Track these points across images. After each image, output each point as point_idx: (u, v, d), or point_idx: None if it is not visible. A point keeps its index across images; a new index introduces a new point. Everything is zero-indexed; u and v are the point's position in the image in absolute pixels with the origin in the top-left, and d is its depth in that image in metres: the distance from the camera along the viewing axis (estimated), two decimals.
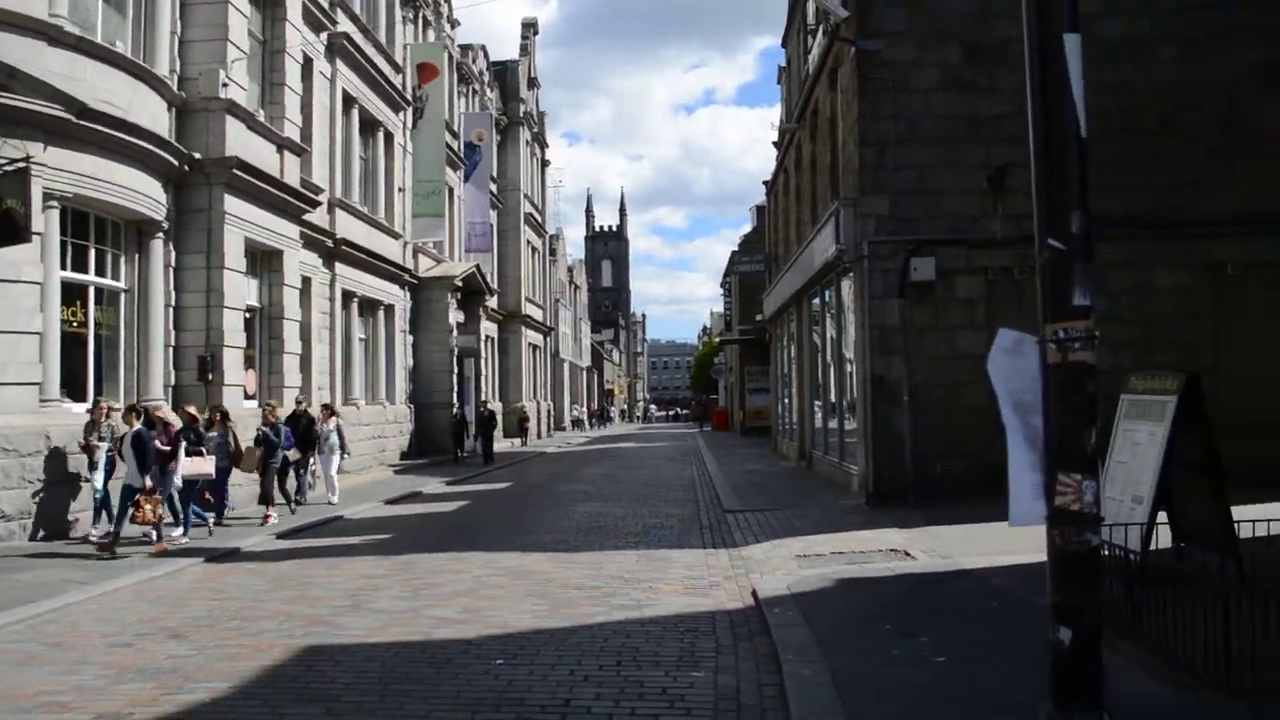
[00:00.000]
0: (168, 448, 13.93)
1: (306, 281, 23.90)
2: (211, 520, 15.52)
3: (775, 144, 44.70)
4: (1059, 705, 3.14)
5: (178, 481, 14.27)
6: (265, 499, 16.97)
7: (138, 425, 13.43)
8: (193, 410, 15.77)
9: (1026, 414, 4.38)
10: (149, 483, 13.10)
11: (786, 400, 29.33)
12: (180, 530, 14.16)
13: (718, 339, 54.64)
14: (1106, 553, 8.12)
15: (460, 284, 36.01)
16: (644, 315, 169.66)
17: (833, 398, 21.34)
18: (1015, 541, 11.86)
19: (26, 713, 6.43)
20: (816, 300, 22.49)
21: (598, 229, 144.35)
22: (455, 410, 33.04)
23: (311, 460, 20.13)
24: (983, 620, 8.30)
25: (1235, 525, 8.71)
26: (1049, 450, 3.24)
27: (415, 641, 8.03)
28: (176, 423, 14.62)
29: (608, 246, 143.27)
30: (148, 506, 13.05)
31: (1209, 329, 16.68)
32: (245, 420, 18.08)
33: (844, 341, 19.52)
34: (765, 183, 55.50)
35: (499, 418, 43.11)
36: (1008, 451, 4.73)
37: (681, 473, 26.72)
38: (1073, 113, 3.16)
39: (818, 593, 9.62)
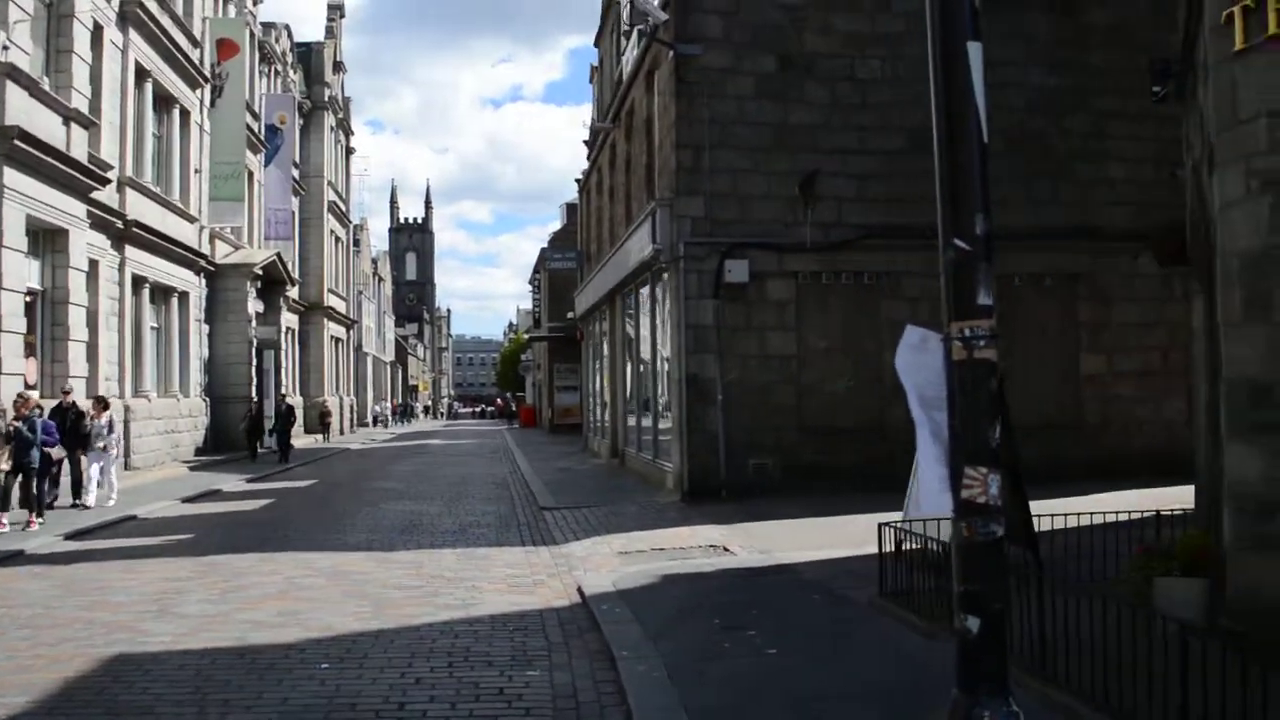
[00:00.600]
0: None
1: (94, 265, 22.45)
2: None
3: (586, 142, 44.92)
4: (966, 690, 3.25)
5: None
6: (26, 503, 15.31)
7: None
8: None
9: (931, 409, 4.54)
10: None
11: (597, 398, 29.46)
12: None
13: (526, 336, 54.35)
14: (916, 546, 8.57)
15: (260, 272, 34.58)
16: (449, 310, 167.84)
17: (646, 395, 21.60)
18: (825, 536, 12.42)
19: None
20: (631, 299, 22.69)
21: (403, 221, 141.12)
22: (251, 404, 31.48)
23: (84, 459, 17.96)
24: (805, 612, 8.55)
25: (1033, 520, 9.33)
26: (955, 444, 3.35)
27: (230, 647, 7.63)
28: None
29: (413, 239, 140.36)
30: None
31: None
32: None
33: (659, 340, 19.77)
34: (577, 180, 55.83)
35: (299, 413, 41.57)
36: (916, 444, 4.89)
37: (493, 470, 26.49)
38: (976, 119, 3.26)
39: (643, 589, 9.70)
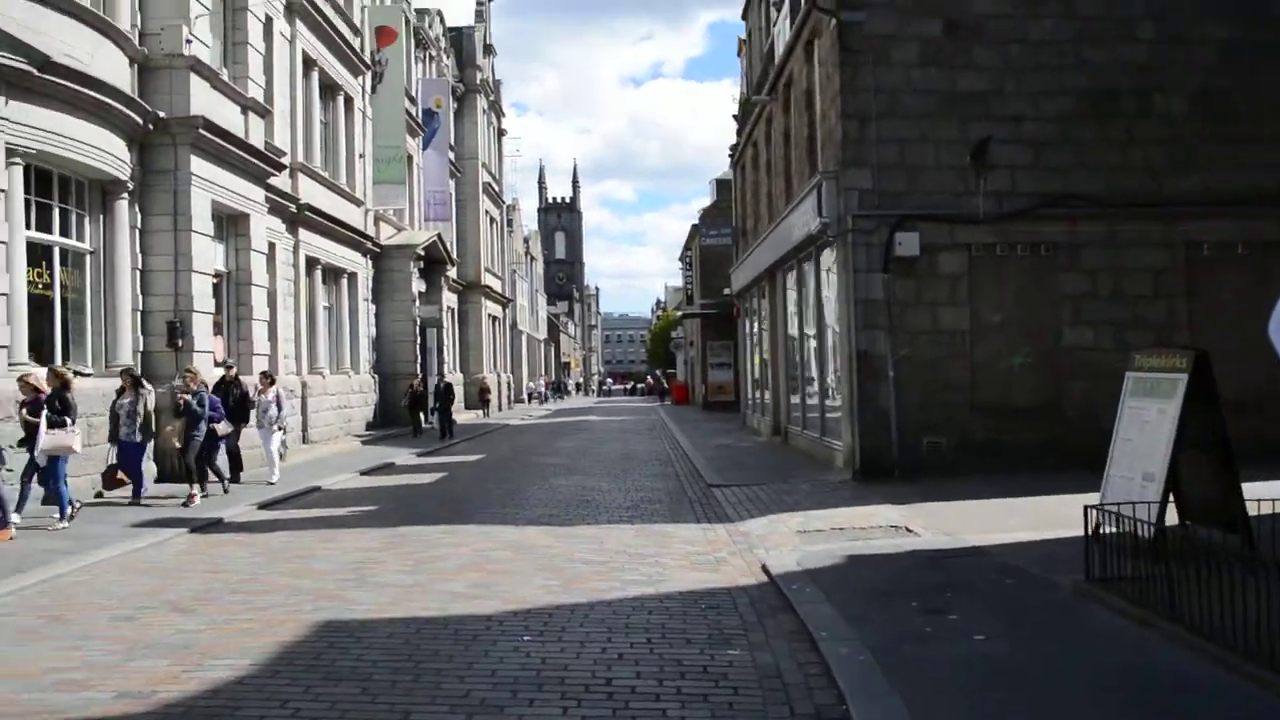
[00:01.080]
0: (35, 419, 12.26)
1: (271, 247, 23.36)
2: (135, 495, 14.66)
3: (736, 117, 44.51)
4: None
5: (38, 458, 12.35)
6: (189, 476, 15.17)
7: None
8: (64, 372, 13.19)
9: None
10: None
11: (758, 375, 29.25)
12: (59, 516, 12.46)
13: (679, 313, 54.38)
14: (1118, 529, 8.15)
15: (422, 253, 35.51)
16: (597, 288, 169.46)
17: (811, 372, 21.31)
18: (1010, 518, 11.99)
19: (42, 691, 6.13)
20: (793, 274, 22.38)
21: (551, 201, 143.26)
22: (413, 381, 32.08)
23: (257, 435, 18.32)
24: (1005, 597, 8.24)
25: (1244, 502, 8.78)
26: None
27: (433, 617, 7.81)
28: (46, 389, 12.63)
29: (561, 218, 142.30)
30: None
31: (1182, 308, 16.83)
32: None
33: (825, 315, 19.44)
34: (730, 154, 55.44)
35: (458, 390, 42.65)
36: None
37: (653, 446, 26.61)
38: None
39: (830, 569, 9.52)
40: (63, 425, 12.48)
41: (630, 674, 6.37)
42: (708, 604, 8.35)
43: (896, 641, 6.89)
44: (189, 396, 15.28)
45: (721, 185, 51.73)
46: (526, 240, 75.59)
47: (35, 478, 12.61)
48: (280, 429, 18.31)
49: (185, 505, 14.50)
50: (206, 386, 16.14)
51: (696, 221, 52.90)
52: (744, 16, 38.92)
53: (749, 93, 37.65)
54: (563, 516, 13.43)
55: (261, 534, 12.29)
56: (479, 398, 45.68)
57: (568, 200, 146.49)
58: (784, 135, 22.63)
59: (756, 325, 29.33)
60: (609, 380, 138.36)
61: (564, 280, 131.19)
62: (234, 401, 17.42)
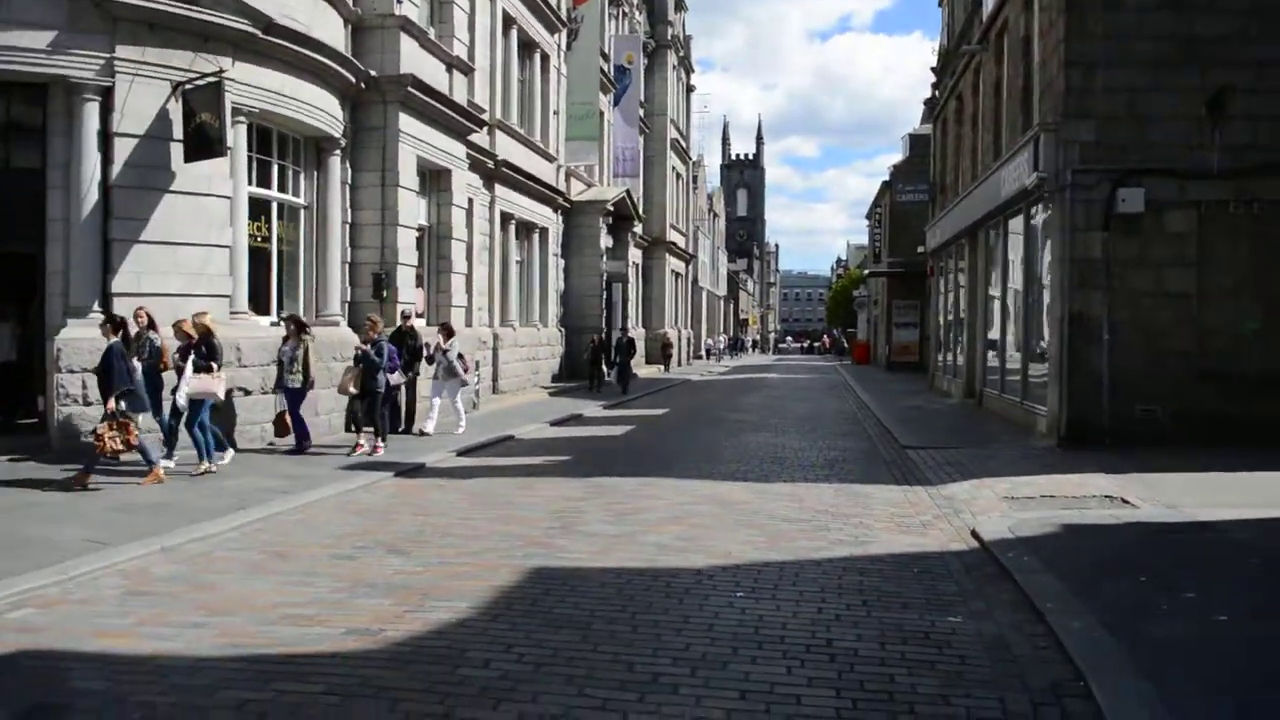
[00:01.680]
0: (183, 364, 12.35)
1: (469, 202, 23.91)
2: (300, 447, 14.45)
3: (934, 69, 42.93)
4: None
5: (181, 401, 12.37)
6: (365, 425, 14.96)
7: (114, 339, 11.32)
8: (208, 321, 12.86)
9: None
10: (111, 406, 11.09)
11: (951, 335, 28.36)
12: (201, 460, 12.38)
13: (866, 272, 53.26)
14: None
15: (611, 209, 35.81)
16: (777, 246, 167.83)
17: (1011, 334, 20.45)
18: (1240, 493, 11.18)
19: (272, 624, 6.41)
20: (999, 231, 21.48)
21: (734, 158, 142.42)
22: (595, 335, 32.02)
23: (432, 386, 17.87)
24: (1246, 577, 7.66)
25: None
26: None
27: (643, 569, 7.82)
28: (193, 335, 12.53)
29: (743, 175, 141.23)
30: (107, 435, 11.00)
31: None
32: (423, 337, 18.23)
33: (1033, 275, 18.58)
34: (929, 104, 53.62)
35: (640, 345, 43.04)
36: None
37: (840, 405, 26.20)
38: None
39: (1045, 538, 9.08)
40: (209, 370, 12.41)
41: (851, 636, 6.21)
42: (920, 568, 8.08)
43: (1130, 617, 6.49)
44: (367, 346, 14.94)
45: (916, 140, 50.01)
46: (710, 197, 75.33)
47: (183, 420, 12.71)
48: (464, 382, 17.99)
49: (351, 454, 14.22)
50: (383, 335, 15.55)
51: (887, 178, 51.46)
52: None
53: (950, 44, 36.21)
54: (758, 472, 13.32)
55: (463, 480, 12.59)
56: (661, 353, 45.95)
57: (750, 157, 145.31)
58: (994, 87, 21.66)
59: (952, 284, 28.36)
60: (788, 338, 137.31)
61: (744, 237, 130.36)
62: (408, 352, 17.03)
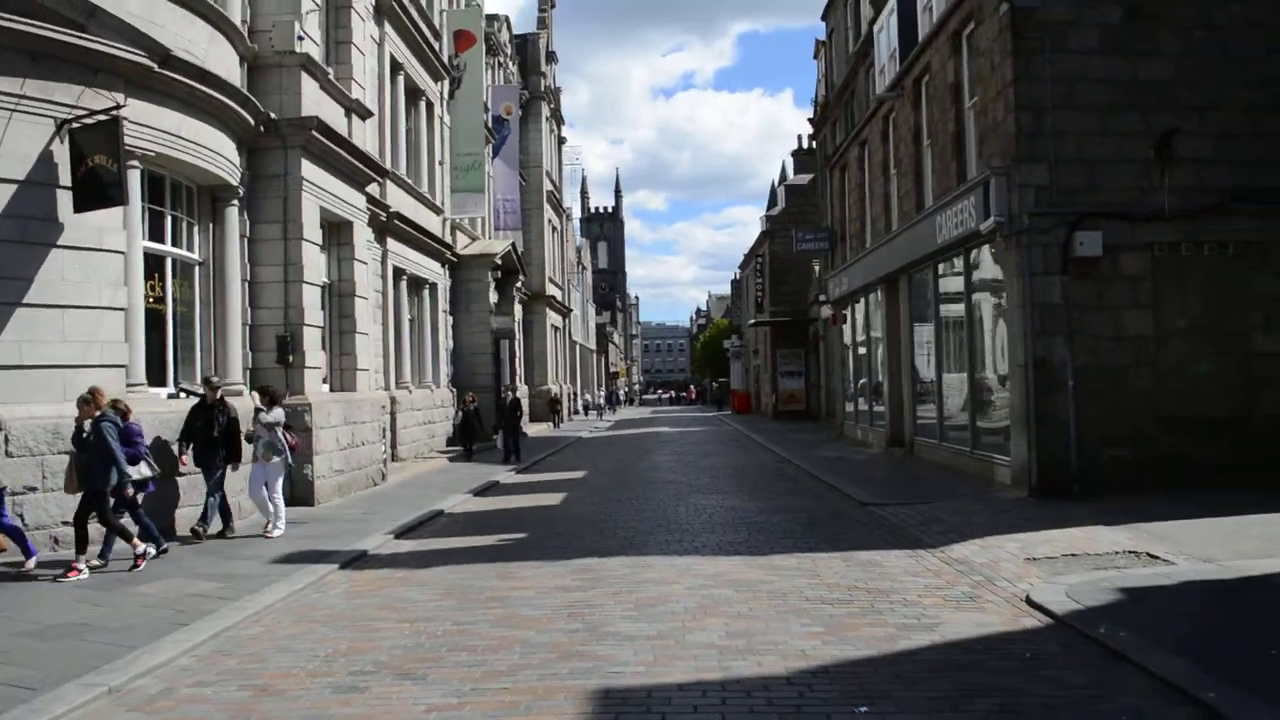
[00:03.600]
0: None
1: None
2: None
3: (812, 120, 43.36)
4: None
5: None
6: (118, 532, 11.20)
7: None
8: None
9: None
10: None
11: (866, 383, 28.12)
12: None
13: (751, 321, 53.14)
14: None
15: (499, 262, 34.51)
16: (637, 298, 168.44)
17: (948, 380, 20.04)
18: (1266, 542, 10.67)
19: None
20: (923, 277, 21.16)
21: (593, 210, 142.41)
22: (466, 399, 28.51)
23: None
24: None
25: None
26: None
27: (724, 681, 6.58)
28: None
29: (604, 228, 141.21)
30: None
31: None
32: (326, 408, 16.64)
33: (975, 320, 18.20)
34: (797, 157, 54.17)
35: (525, 402, 41.62)
36: None
37: (756, 459, 25.56)
38: None
39: (1113, 606, 8.30)
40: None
41: None
42: (1014, 655, 7.10)
43: None
44: (90, 423, 10.94)
45: (792, 191, 50.57)
46: (579, 250, 74.65)
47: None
48: (289, 463, 14.17)
49: (133, 569, 10.95)
50: (122, 413, 11.39)
51: (765, 227, 51.71)
52: (824, 18, 37.87)
53: (831, 95, 36.51)
54: (744, 543, 12.29)
55: (423, 570, 11.17)
56: (548, 409, 44.88)
57: (609, 210, 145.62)
58: (913, 133, 21.41)
59: (862, 330, 28.10)
60: (654, 390, 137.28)
61: (606, 289, 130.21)
62: (219, 431, 13.21)
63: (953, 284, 19.66)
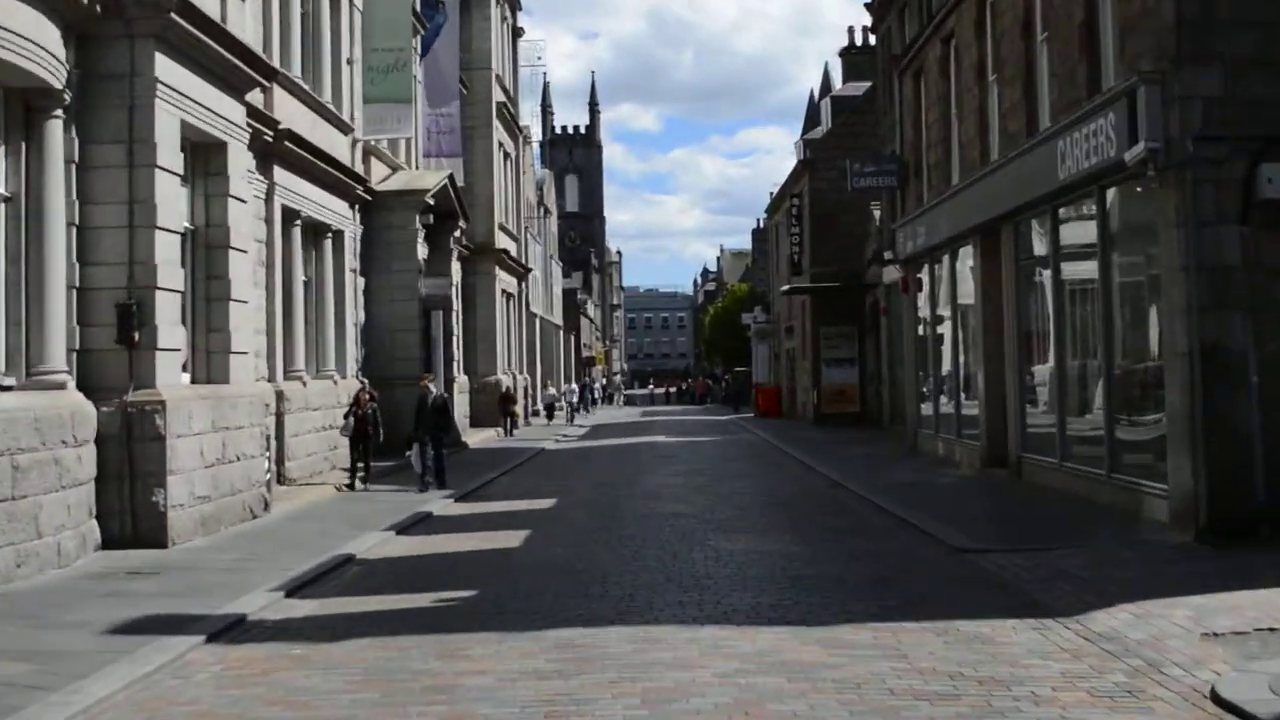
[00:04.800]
0: None
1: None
2: None
3: (870, 5, 43.12)
4: None
5: None
6: None
7: None
8: None
9: None
10: None
11: (951, 375, 28.20)
12: None
13: (784, 288, 52.83)
14: None
15: (431, 202, 34.24)
16: (619, 254, 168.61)
17: (1071, 372, 19.99)
18: None
19: None
20: (1041, 226, 21.36)
21: (559, 131, 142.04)
22: (361, 400, 25.98)
23: None
24: None
25: None
26: None
27: None
28: None
29: (574, 156, 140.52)
30: None
31: None
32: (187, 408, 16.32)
33: (1113, 287, 18.23)
34: (846, 58, 53.85)
35: (463, 400, 41.50)
36: None
37: (801, 483, 25.73)
38: None
39: None
40: None
41: None
42: None
43: None
44: None
45: (841, 106, 50.41)
46: (540, 186, 74.48)
47: None
48: None
49: None
50: None
51: (803, 156, 51.56)
52: None
53: None
54: (792, 606, 12.16)
55: (328, 644, 10.93)
56: (500, 409, 45.21)
57: (582, 131, 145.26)
58: (1022, 24, 21.50)
59: (946, 300, 28.16)
60: (650, 382, 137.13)
61: (578, 241, 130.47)
62: None
63: (1080, 236, 19.65)
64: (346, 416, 25.80)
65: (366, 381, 29.51)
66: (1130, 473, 17.62)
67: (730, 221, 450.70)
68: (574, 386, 69.95)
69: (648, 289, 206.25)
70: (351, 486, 25.09)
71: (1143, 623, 10.81)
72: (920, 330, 31.23)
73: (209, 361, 19.16)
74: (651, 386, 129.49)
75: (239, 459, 18.97)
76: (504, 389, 46.26)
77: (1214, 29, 15.17)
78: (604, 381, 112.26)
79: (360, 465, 25.55)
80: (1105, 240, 18.45)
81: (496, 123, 49.99)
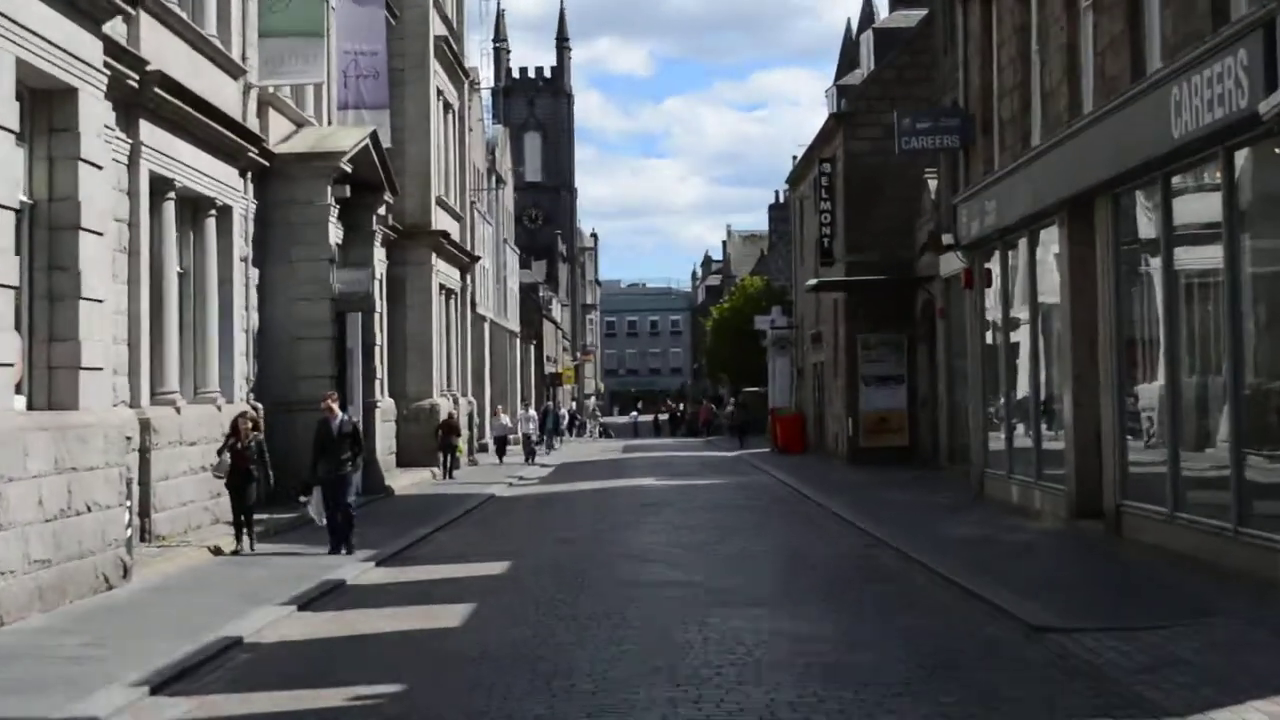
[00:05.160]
0: None
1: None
2: None
3: None
4: None
5: None
6: None
7: None
8: None
9: None
10: None
11: (1029, 398, 28.41)
12: None
13: (812, 282, 52.78)
14: None
15: (347, 168, 34.24)
16: (596, 237, 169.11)
17: (1189, 387, 20.39)
18: None
19: None
20: (1150, 198, 21.59)
21: (517, 76, 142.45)
22: (251, 420, 26.34)
23: None
24: None
25: None
26: None
27: None
28: None
29: (536, 109, 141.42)
30: None
31: None
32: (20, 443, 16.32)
33: (1246, 281, 18.47)
34: None
35: (386, 430, 41.53)
36: None
37: (833, 541, 26.16)
38: None
39: None
40: None
41: None
42: None
43: None
44: None
45: (885, 43, 50.49)
46: (492, 147, 74.65)
47: None
48: None
49: None
50: None
51: (836, 109, 51.70)
52: None
53: None
54: (818, 707, 12.19)
55: None
56: (439, 443, 45.49)
57: (546, 74, 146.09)
58: None
59: (1023, 303, 28.30)
60: (636, 408, 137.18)
61: (539, 221, 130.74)
62: None
63: (1200, 213, 19.97)
64: (221, 452, 25.56)
65: (260, 407, 29.55)
66: (1266, 525, 17.76)
67: (740, 195, 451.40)
68: (533, 413, 69.83)
69: (632, 284, 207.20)
70: (238, 548, 24.92)
71: None
72: (989, 338, 31.37)
73: (51, 380, 19.14)
74: (636, 414, 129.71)
75: (90, 509, 18.93)
76: (446, 417, 46.45)
77: None
78: (573, 406, 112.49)
79: (245, 518, 25.26)
80: (1233, 218, 18.64)
81: (435, 64, 50.37)
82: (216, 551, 24.54)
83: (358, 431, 26.61)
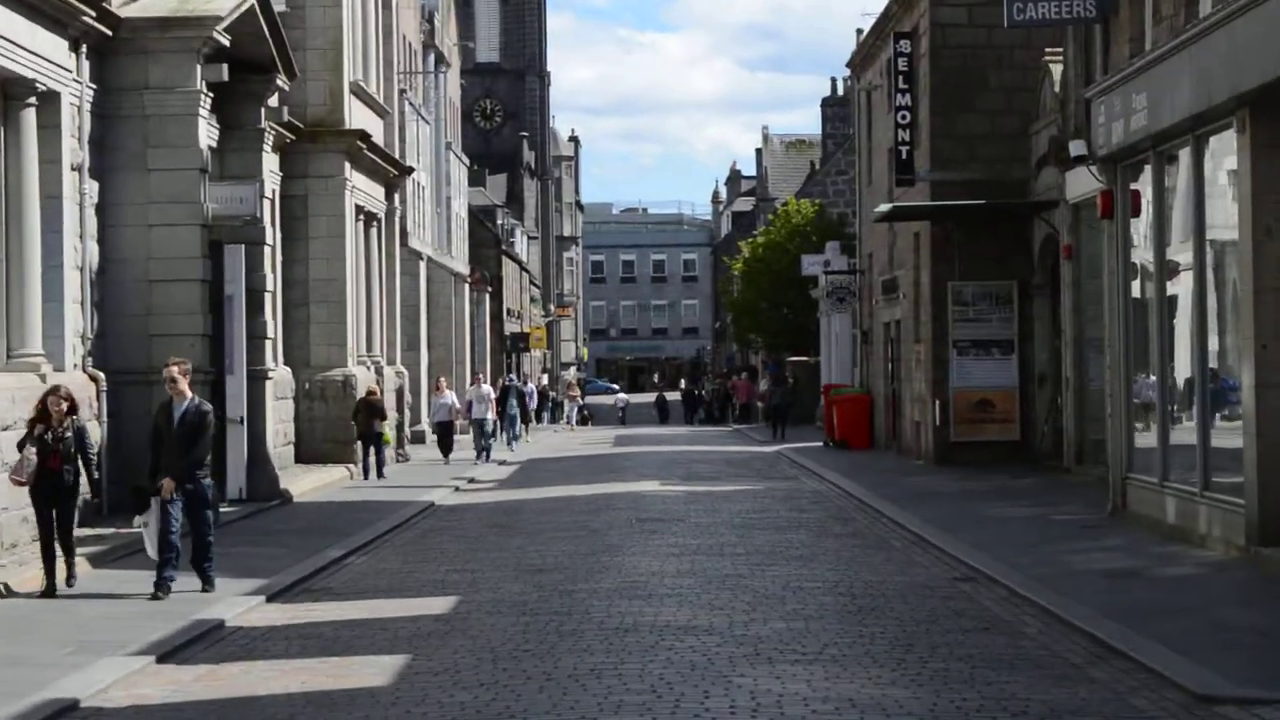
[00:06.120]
0: None
1: None
2: None
3: None
4: None
5: None
6: None
7: None
8: None
9: None
10: None
11: (1195, 376, 28.39)
12: None
13: (880, 211, 52.71)
14: None
15: (224, 40, 34.30)
16: (577, 143, 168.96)
17: None
18: None
19: None
20: None
21: None
22: (55, 399, 25.07)
23: None
24: None
25: None
26: None
27: None
28: None
29: None
30: None
31: None
32: None
33: None
34: None
35: (283, 408, 41.69)
36: None
37: (908, 572, 26.34)
38: None
39: None
40: None
41: None
42: None
43: None
44: None
45: None
46: (430, 14, 74.69)
47: None
48: None
49: None
50: None
51: None
52: None
53: None
54: None
55: None
56: (362, 424, 46.14)
57: None
58: None
59: (1182, 237, 28.59)
60: (621, 395, 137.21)
61: (494, 117, 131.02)
62: None
63: None
64: (21, 446, 24.64)
65: (101, 376, 29.67)
66: None
67: (780, 85, 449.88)
68: (488, 390, 69.82)
69: (627, 209, 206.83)
70: (47, 585, 23.94)
71: None
72: (1135, 290, 31.30)
73: None
74: (622, 393, 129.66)
75: None
76: (363, 393, 46.75)
77: None
78: (544, 380, 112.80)
79: (63, 539, 24.47)
80: None
81: None
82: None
83: (207, 422, 25.27)
